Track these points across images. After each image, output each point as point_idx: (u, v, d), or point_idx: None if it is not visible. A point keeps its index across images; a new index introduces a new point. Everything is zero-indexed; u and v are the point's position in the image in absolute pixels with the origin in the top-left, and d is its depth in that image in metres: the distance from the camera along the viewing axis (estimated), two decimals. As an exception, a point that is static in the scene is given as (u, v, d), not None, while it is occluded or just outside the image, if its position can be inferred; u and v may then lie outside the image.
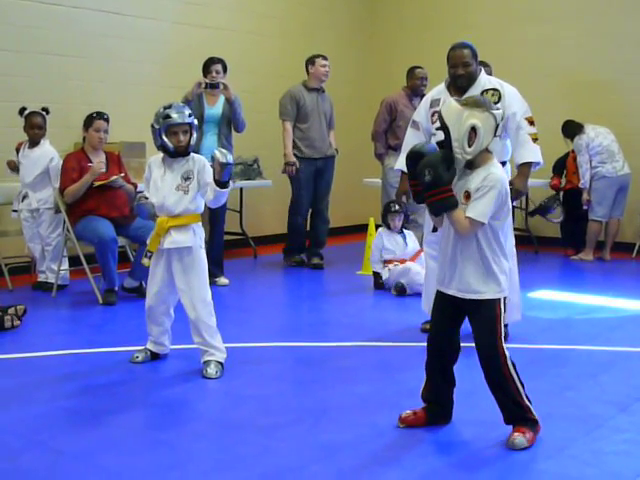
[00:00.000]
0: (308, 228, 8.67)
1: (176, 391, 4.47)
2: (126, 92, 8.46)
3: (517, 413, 3.72)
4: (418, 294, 6.70)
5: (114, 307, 6.47)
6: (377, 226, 8.02)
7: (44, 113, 7.05)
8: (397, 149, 8.00)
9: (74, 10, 8.03)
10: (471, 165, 3.66)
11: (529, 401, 3.73)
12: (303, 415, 4.07)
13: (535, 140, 5.44)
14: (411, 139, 5.77)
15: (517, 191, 5.43)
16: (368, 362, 5.09)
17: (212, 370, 4.64)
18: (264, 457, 3.54)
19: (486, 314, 3.71)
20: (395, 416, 3.91)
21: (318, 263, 8.47)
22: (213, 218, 7.31)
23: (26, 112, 7.01)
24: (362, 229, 9.08)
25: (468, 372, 4.01)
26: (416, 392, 3.96)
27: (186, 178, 4.71)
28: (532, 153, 5.42)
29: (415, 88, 8.44)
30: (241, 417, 4.05)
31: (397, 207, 7.32)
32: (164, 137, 4.63)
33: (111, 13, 8.35)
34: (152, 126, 4.70)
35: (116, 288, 6.64)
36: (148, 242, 4.78)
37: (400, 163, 5.87)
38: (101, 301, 6.57)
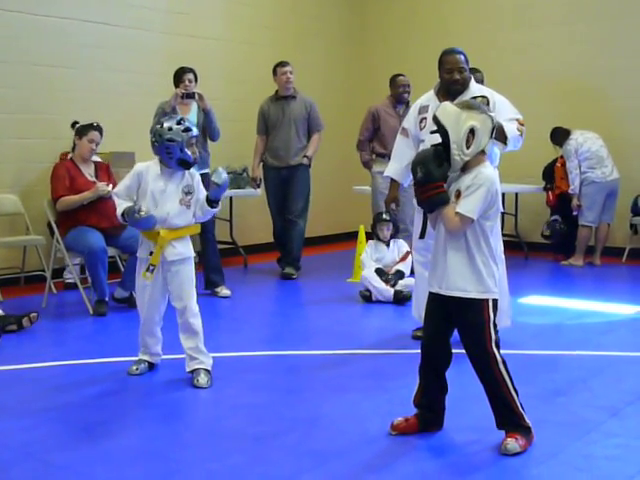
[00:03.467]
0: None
1: (167, 401, 4.46)
2: (115, 102, 8.45)
3: (510, 418, 3.73)
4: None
5: (105, 318, 6.45)
6: (367, 234, 8.03)
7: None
8: (384, 157, 8.02)
9: (62, 21, 8.02)
10: (465, 166, 3.69)
11: (522, 408, 3.73)
12: (294, 424, 4.07)
13: (520, 133, 5.39)
14: (400, 146, 5.80)
15: None
16: (359, 370, 5.09)
17: (203, 379, 4.64)
18: (256, 466, 3.54)
19: (474, 319, 3.71)
20: (387, 424, 3.91)
21: (287, 272, 8.40)
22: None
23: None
24: (352, 237, 9.09)
25: (459, 378, 4.01)
26: (407, 399, 3.96)
27: (187, 192, 4.74)
28: (510, 129, 5.32)
29: (398, 96, 8.47)
30: (232, 426, 4.04)
31: (387, 217, 7.31)
32: (186, 150, 4.64)
33: (99, 23, 8.34)
34: (168, 140, 4.62)
35: (106, 299, 6.62)
36: (147, 256, 4.72)
37: (390, 170, 5.89)
38: (92, 312, 6.55)
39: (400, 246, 7.41)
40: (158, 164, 4.75)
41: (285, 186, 8.47)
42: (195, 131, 4.75)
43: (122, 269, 7.08)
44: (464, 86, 5.41)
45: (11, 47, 7.68)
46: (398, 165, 5.80)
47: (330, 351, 5.47)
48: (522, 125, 5.38)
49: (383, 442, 3.81)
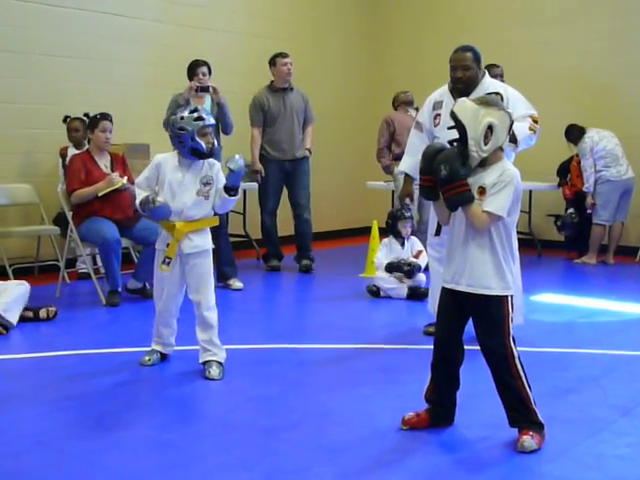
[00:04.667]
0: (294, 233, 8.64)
1: (180, 392, 4.48)
2: (130, 94, 8.48)
3: (525, 415, 3.73)
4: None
5: (118, 308, 6.48)
6: (381, 229, 8.02)
7: (84, 118, 7.22)
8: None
9: (77, 12, 8.04)
10: (484, 163, 3.68)
11: (536, 405, 3.74)
12: (305, 417, 4.08)
13: (532, 131, 5.37)
14: (414, 140, 5.78)
15: None
16: (371, 365, 5.09)
17: (215, 371, 4.65)
18: (267, 458, 3.55)
19: (495, 313, 3.72)
20: (398, 418, 3.91)
21: (306, 264, 8.41)
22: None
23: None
24: (365, 232, 9.08)
25: (471, 375, 4.01)
26: (418, 394, 3.96)
27: (205, 183, 4.72)
28: (520, 130, 5.30)
29: (405, 104, 8.64)
30: (244, 418, 4.05)
31: (408, 214, 7.27)
32: (197, 139, 4.62)
33: (115, 15, 8.36)
34: (179, 129, 4.63)
35: (119, 289, 6.64)
36: (164, 248, 4.71)
37: (403, 165, 5.88)
38: (104, 302, 6.58)
39: (413, 244, 7.37)
40: (177, 155, 4.75)
41: (288, 179, 8.43)
42: (210, 120, 4.73)
43: (135, 260, 7.10)
44: (468, 84, 5.37)
45: (25, 38, 7.71)
46: (412, 160, 5.78)
47: (342, 345, 5.48)
48: (536, 122, 5.35)
49: (394, 437, 3.81)
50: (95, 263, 7.42)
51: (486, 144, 3.63)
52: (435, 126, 5.54)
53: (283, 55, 8.31)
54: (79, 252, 7.12)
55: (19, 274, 7.24)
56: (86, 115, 7.15)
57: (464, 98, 3.88)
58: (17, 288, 5.94)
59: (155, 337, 4.94)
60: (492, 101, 3.75)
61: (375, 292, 7.11)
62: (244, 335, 5.74)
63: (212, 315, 4.75)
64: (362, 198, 10.89)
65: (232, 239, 7.71)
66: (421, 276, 7.01)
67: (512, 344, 3.71)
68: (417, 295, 6.93)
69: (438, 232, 5.55)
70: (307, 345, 5.47)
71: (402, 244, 7.32)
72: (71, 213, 6.74)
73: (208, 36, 9.21)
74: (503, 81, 8.25)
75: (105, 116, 6.80)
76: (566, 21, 9.94)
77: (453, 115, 3.71)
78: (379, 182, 9.51)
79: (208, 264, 4.79)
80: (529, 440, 3.64)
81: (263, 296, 7.46)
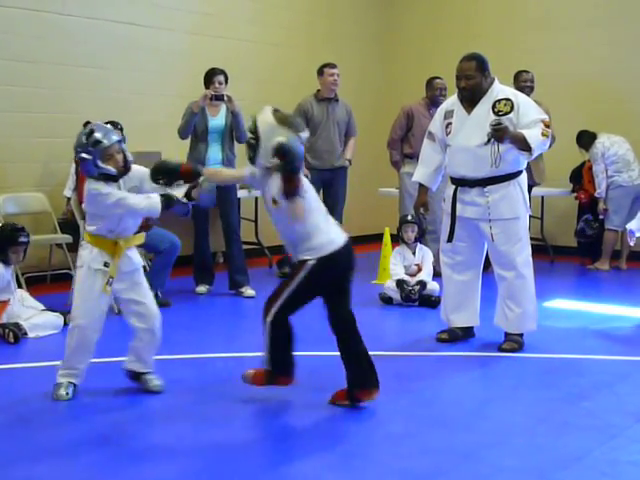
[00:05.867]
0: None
1: (188, 398, 4.46)
2: (142, 103, 8.49)
3: (375, 373, 4.29)
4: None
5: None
6: (393, 236, 8.01)
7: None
8: (412, 157, 7.99)
9: (90, 21, 8.07)
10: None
11: None
12: (317, 423, 4.07)
13: (544, 136, 5.34)
14: (427, 150, 5.79)
15: (502, 131, 5.21)
16: (383, 372, 5.03)
17: (158, 381, 4.58)
18: (280, 465, 3.56)
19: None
20: (410, 425, 3.90)
21: None
22: (228, 228, 7.33)
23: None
24: (377, 239, 9.07)
25: (482, 383, 3.99)
26: (430, 401, 3.96)
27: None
28: (533, 138, 5.28)
29: (434, 98, 8.34)
30: (256, 426, 4.06)
31: (411, 219, 7.28)
32: (101, 164, 4.26)
33: (127, 24, 8.39)
34: (81, 159, 4.31)
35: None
36: (102, 268, 4.43)
37: (417, 175, 5.88)
38: (116, 311, 6.55)
39: (424, 254, 7.36)
40: None
41: (326, 188, 8.43)
42: (112, 138, 4.31)
43: (147, 268, 7.09)
44: (472, 93, 5.39)
45: (39, 47, 7.73)
46: (426, 170, 5.80)
47: (354, 352, 5.45)
48: (547, 127, 5.34)
49: (406, 444, 3.80)
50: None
51: (273, 157, 4.01)
52: (447, 135, 5.54)
53: (331, 65, 8.28)
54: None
55: (32, 283, 7.25)
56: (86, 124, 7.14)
57: (267, 108, 4.21)
58: (52, 318, 6.05)
59: (68, 369, 4.49)
60: (290, 122, 4.15)
61: (387, 299, 7.10)
62: (256, 343, 5.71)
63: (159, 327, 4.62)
64: (374, 205, 10.88)
65: (244, 247, 7.70)
66: (434, 284, 6.99)
67: None
68: (429, 303, 6.91)
69: (450, 238, 5.58)
70: (320, 352, 5.45)
71: (414, 252, 7.32)
72: (82, 221, 6.75)
73: (221, 44, 9.21)
74: (533, 87, 8.27)
75: (115, 125, 6.81)
76: (578, 26, 9.91)
77: (254, 121, 4.14)
78: (391, 189, 9.49)
79: (142, 275, 4.66)
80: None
81: (275, 304, 7.45)
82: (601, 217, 9.13)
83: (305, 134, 4.20)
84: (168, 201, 4.37)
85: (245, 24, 9.61)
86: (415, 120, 8.37)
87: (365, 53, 11.18)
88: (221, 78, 7.26)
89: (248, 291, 7.37)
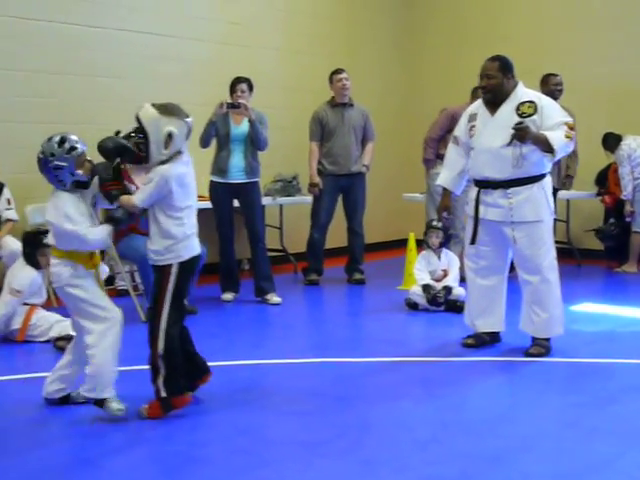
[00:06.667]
0: (346, 244, 8.65)
1: (217, 406, 4.47)
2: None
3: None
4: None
5: (156, 324, 6.50)
6: (418, 241, 8.00)
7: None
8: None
9: (119, 32, 8.11)
10: (165, 162, 4.16)
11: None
12: (344, 431, 4.07)
13: (568, 138, 5.31)
14: (452, 154, 5.80)
15: (524, 132, 5.22)
16: (409, 377, 5.07)
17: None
18: (307, 473, 3.55)
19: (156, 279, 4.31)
20: (438, 431, 3.88)
21: (359, 278, 8.45)
22: (253, 235, 7.35)
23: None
24: (401, 244, 9.06)
25: (509, 388, 3.98)
26: (458, 407, 3.95)
27: (94, 204, 4.39)
28: (556, 140, 5.24)
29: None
30: (283, 433, 4.06)
31: (437, 224, 7.26)
32: (76, 172, 4.18)
33: (156, 35, 8.42)
34: (55, 168, 4.17)
35: (158, 306, 6.66)
36: (82, 284, 4.27)
37: (441, 178, 5.88)
38: (144, 319, 6.61)
39: (450, 259, 7.34)
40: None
41: (345, 194, 8.45)
42: (83, 147, 4.28)
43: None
44: (493, 93, 5.41)
45: (66, 59, 7.78)
46: (450, 173, 5.80)
47: (379, 358, 5.46)
48: (572, 129, 5.32)
49: (433, 450, 3.79)
50: (134, 280, 7.46)
51: (166, 148, 4.13)
52: (470, 137, 5.54)
53: (338, 71, 8.31)
54: (118, 269, 7.17)
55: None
56: (117, 133, 7.16)
57: (147, 104, 4.25)
58: None
59: (112, 385, 4.34)
60: (173, 110, 4.21)
61: (413, 305, 7.09)
62: (282, 349, 5.74)
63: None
64: (399, 210, 10.88)
65: (269, 253, 7.72)
66: (460, 289, 6.97)
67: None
68: (455, 308, 6.89)
69: (473, 241, 5.56)
70: (345, 358, 5.46)
71: (439, 257, 7.30)
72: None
73: (246, 53, 9.24)
74: (562, 90, 8.18)
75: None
76: (604, 27, 9.84)
77: (137, 119, 4.17)
78: (415, 194, 9.49)
79: None
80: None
81: (301, 310, 7.46)
82: (628, 219, 9.07)
83: (189, 118, 4.25)
84: (116, 224, 4.29)
85: (270, 32, 9.63)
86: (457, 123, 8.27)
87: (387, 58, 11.17)
88: (243, 86, 7.28)
89: (274, 298, 7.38)
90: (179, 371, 4.26)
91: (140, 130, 4.17)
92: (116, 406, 4.25)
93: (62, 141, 4.22)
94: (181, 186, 4.18)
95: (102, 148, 4.19)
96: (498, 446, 3.82)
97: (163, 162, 4.17)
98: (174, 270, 4.22)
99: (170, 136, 4.13)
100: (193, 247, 4.32)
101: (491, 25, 10.67)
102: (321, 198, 8.36)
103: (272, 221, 9.16)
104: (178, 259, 4.23)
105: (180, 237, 4.21)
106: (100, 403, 4.27)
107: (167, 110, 4.19)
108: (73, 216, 4.19)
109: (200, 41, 8.89)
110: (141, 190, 4.19)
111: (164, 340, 4.24)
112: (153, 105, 4.21)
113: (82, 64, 7.90)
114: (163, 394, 4.18)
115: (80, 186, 4.25)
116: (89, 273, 4.32)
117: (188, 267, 4.30)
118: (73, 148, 4.22)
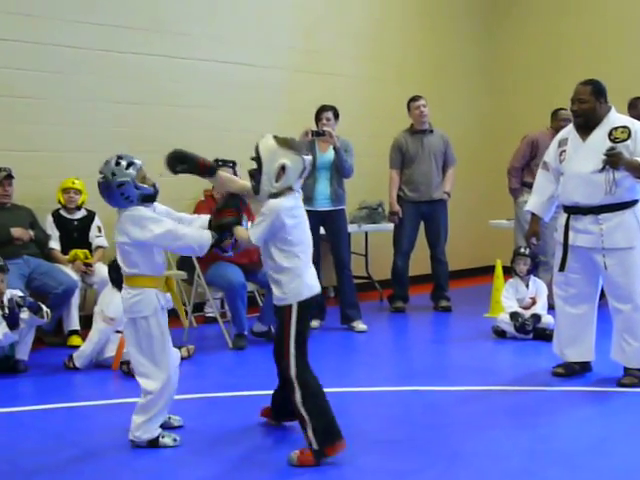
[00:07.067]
0: (430, 271, 8.62)
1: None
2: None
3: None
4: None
5: (244, 351, 6.58)
6: (505, 268, 7.92)
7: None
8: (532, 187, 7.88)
9: (201, 63, 8.28)
10: (275, 196, 4.08)
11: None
12: (434, 460, 4.04)
13: None
14: (541, 180, 5.75)
15: (617, 158, 5.15)
16: (498, 407, 5.01)
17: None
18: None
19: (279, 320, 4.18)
20: (528, 462, 3.83)
21: (446, 306, 8.41)
22: (339, 263, 7.38)
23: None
24: (487, 271, 8.98)
25: (601, 419, 3.90)
26: (549, 437, 3.89)
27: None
28: None
29: (559, 129, 8.17)
30: (373, 462, 4.04)
31: (525, 251, 7.17)
32: (140, 184, 4.22)
33: (239, 64, 8.57)
34: (118, 186, 4.16)
35: (245, 332, 6.74)
36: (157, 311, 4.29)
37: (530, 204, 5.83)
38: (231, 345, 6.69)
39: (539, 287, 7.23)
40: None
41: (427, 222, 8.44)
42: (138, 162, 4.27)
43: (260, 304, 7.21)
44: (585, 117, 5.36)
45: (146, 89, 7.95)
46: (539, 199, 5.75)
47: (469, 387, 5.42)
48: None
49: (525, 481, 3.74)
50: (222, 307, 7.56)
51: (277, 181, 4.04)
52: (560, 162, 5.49)
53: (415, 99, 8.33)
54: (207, 296, 7.27)
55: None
56: (216, 161, 7.28)
57: (269, 135, 4.16)
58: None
59: (161, 420, 4.39)
60: (292, 144, 4.11)
61: (501, 332, 7.01)
62: (369, 377, 5.74)
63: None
64: (485, 237, 10.78)
65: (355, 281, 7.73)
66: (548, 317, 6.86)
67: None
68: (543, 336, 6.79)
69: (562, 268, 5.48)
70: (433, 387, 5.43)
71: (527, 285, 7.20)
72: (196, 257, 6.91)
73: (325, 80, 9.31)
74: None
75: (225, 162, 6.93)
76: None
77: (256, 148, 4.12)
78: (502, 220, 9.40)
79: None
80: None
81: (388, 338, 7.45)
82: None
83: (308, 156, 4.15)
84: (218, 240, 4.21)
85: (347, 60, 9.67)
86: (539, 150, 8.16)
87: (472, 85, 11.12)
88: (329, 114, 7.35)
89: (360, 325, 7.39)
90: (327, 417, 4.04)
91: (256, 159, 4.11)
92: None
93: (119, 159, 4.23)
94: (293, 218, 4.06)
95: (165, 156, 4.23)
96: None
97: (273, 196, 4.07)
98: (294, 310, 4.06)
99: (283, 169, 4.03)
100: (312, 285, 4.15)
101: (580, 51, 10.40)
102: (402, 225, 8.36)
103: (357, 248, 9.18)
104: (297, 297, 4.07)
105: (296, 273, 4.07)
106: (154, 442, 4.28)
107: (286, 143, 4.10)
108: (155, 217, 4.22)
109: (279, 69, 8.99)
110: (255, 225, 4.05)
111: (299, 389, 4.04)
112: (274, 137, 4.14)
113: (162, 94, 8.05)
114: (315, 447, 3.96)
115: (147, 199, 4.26)
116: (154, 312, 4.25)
117: (308, 306, 4.12)
118: (131, 163, 4.23)
